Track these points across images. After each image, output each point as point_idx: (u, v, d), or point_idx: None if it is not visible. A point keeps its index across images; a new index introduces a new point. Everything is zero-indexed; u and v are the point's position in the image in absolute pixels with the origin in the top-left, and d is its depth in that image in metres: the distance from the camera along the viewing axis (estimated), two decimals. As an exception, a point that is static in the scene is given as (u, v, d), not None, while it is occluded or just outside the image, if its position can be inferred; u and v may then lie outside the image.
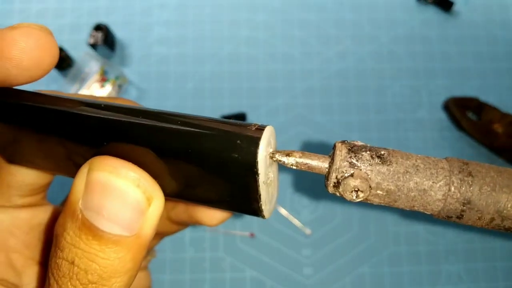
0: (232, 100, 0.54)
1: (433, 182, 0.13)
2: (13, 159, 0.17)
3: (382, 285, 0.49)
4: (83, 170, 0.14)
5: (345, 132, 0.54)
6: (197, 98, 0.54)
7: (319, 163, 0.14)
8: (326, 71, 0.56)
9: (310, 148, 0.53)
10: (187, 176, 0.14)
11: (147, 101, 0.54)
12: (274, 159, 0.14)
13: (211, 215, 0.20)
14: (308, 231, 0.50)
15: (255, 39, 0.57)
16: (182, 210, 0.20)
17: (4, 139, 0.16)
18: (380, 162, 0.13)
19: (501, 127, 0.53)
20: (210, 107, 0.54)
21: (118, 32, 0.56)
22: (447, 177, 0.13)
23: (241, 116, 0.52)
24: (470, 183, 0.13)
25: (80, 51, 0.55)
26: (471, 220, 0.13)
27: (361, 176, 0.13)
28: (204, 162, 0.14)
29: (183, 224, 0.21)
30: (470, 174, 0.13)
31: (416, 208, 0.13)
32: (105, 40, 0.52)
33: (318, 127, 0.54)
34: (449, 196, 0.13)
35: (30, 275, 0.18)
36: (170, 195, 0.15)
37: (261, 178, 0.13)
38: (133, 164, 0.14)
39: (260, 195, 0.14)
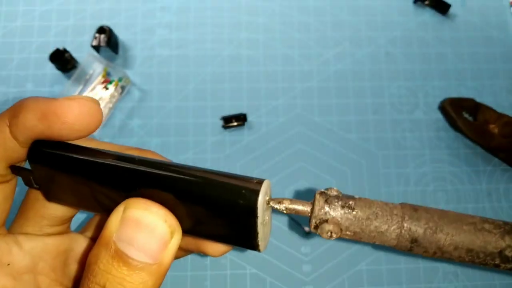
0: (232, 101, 0.55)
1: (388, 226, 0.17)
2: (51, 197, 0.21)
3: (380, 282, 0.50)
4: (119, 209, 0.17)
5: (344, 132, 0.55)
6: (198, 99, 0.55)
7: (303, 208, 0.18)
8: (325, 73, 0.57)
9: (310, 147, 0.54)
10: (199, 216, 0.18)
11: (149, 102, 0.55)
12: (269, 205, 0.18)
13: (215, 248, 0.23)
14: (307, 228, 0.51)
15: (255, 41, 0.57)
16: (191, 241, 0.23)
17: (49, 181, 0.20)
18: (348, 211, 0.17)
19: (497, 127, 0.54)
20: (211, 107, 0.55)
21: (121, 34, 0.57)
22: (399, 222, 0.17)
23: (242, 117, 0.53)
24: (416, 226, 0.17)
25: (83, 53, 0.55)
26: (419, 253, 0.17)
27: (334, 222, 0.17)
28: (215, 206, 0.17)
29: (188, 252, 0.25)
30: (417, 219, 0.17)
31: (377, 243, 0.18)
32: (108, 42, 0.53)
33: (317, 127, 0.55)
34: (400, 237, 0.17)
35: None
36: (184, 231, 0.19)
37: (259, 220, 0.17)
38: (160, 205, 0.17)
39: (257, 234, 0.18)
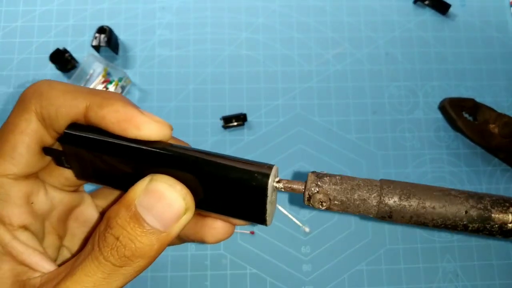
0: (232, 101, 0.55)
1: (369, 194, 0.20)
2: (80, 176, 0.23)
3: (380, 282, 0.50)
4: (146, 179, 0.20)
5: (343, 132, 0.55)
6: (198, 99, 0.55)
7: (298, 186, 0.21)
8: (324, 73, 0.57)
9: (309, 147, 0.54)
10: (216, 194, 0.21)
11: (149, 102, 0.55)
12: (275, 186, 0.21)
13: (213, 235, 0.25)
14: (307, 229, 0.51)
15: (255, 41, 0.58)
16: (189, 226, 0.25)
17: (79, 161, 0.22)
18: (335, 183, 0.20)
19: (496, 127, 0.54)
20: (212, 108, 0.55)
21: (121, 34, 0.57)
22: (378, 191, 0.20)
23: (242, 117, 0.53)
24: (392, 194, 0.19)
25: (83, 53, 0.56)
26: (398, 219, 0.20)
27: (323, 192, 0.20)
28: (231, 186, 0.20)
29: (185, 240, 0.27)
30: (394, 188, 0.20)
31: (362, 212, 0.20)
32: (108, 42, 0.53)
33: (317, 127, 0.55)
34: (380, 203, 0.20)
35: (48, 241, 0.23)
36: (199, 206, 0.21)
37: (268, 198, 0.20)
38: (183, 184, 0.20)
39: (266, 210, 0.20)
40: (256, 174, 0.20)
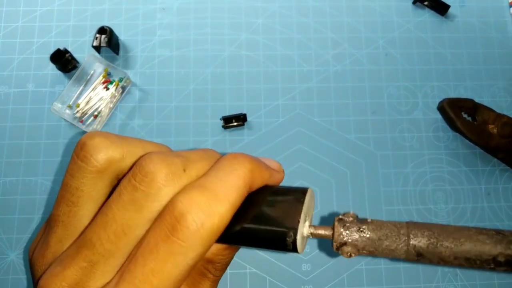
0: (232, 101, 0.55)
1: (397, 245, 0.20)
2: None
3: (379, 282, 0.50)
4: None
5: (343, 132, 0.55)
6: (198, 100, 0.55)
7: (326, 233, 0.21)
8: (324, 73, 0.57)
9: (309, 147, 0.54)
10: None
11: (150, 102, 0.55)
12: (304, 234, 0.22)
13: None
14: (306, 228, 0.51)
15: (255, 42, 0.58)
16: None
17: None
18: (363, 235, 0.20)
19: (495, 127, 0.54)
20: (212, 108, 0.55)
21: (122, 35, 0.57)
22: (406, 241, 0.20)
23: (242, 117, 0.54)
24: (420, 244, 0.20)
25: (84, 54, 0.56)
26: (425, 262, 0.20)
27: (351, 244, 0.21)
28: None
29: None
30: (421, 236, 0.20)
31: (389, 257, 0.21)
32: (109, 42, 0.54)
33: (317, 127, 0.55)
34: (407, 252, 0.20)
35: None
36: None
37: (299, 250, 0.21)
38: None
39: (298, 251, 0.21)
40: (286, 240, 0.20)
